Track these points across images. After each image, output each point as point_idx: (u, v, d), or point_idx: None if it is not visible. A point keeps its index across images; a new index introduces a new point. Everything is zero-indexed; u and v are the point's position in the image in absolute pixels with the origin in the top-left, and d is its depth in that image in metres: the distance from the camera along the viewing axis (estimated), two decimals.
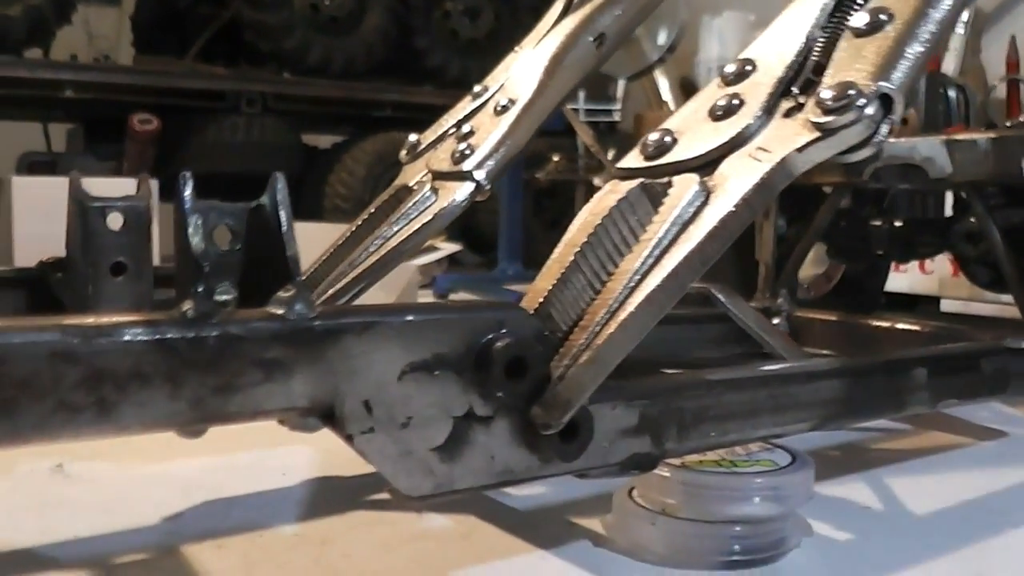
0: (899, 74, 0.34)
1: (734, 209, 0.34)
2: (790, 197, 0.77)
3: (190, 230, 0.28)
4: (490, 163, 0.53)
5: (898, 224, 0.86)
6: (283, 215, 0.29)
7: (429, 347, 0.31)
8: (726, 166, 0.36)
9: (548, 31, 0.62)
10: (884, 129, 0.35)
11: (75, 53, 1.96)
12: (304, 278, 0.57)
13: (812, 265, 0.99)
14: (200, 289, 0.28)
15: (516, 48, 0.64)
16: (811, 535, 0.45)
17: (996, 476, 0.56)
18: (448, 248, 1.69)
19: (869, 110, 0.34)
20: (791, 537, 0.44)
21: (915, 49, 0.35)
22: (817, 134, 0.36)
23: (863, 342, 0.68)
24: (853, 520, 0.48)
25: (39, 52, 1.72)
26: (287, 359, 0.28)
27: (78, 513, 0.47)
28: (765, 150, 0.37)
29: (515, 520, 0.47)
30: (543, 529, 0.45)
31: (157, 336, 0.26)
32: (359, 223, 0.57)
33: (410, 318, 0.31)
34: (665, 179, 0.37)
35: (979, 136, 0.63)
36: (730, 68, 0.41)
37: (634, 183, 0.38)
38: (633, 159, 0.40)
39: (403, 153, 0.61)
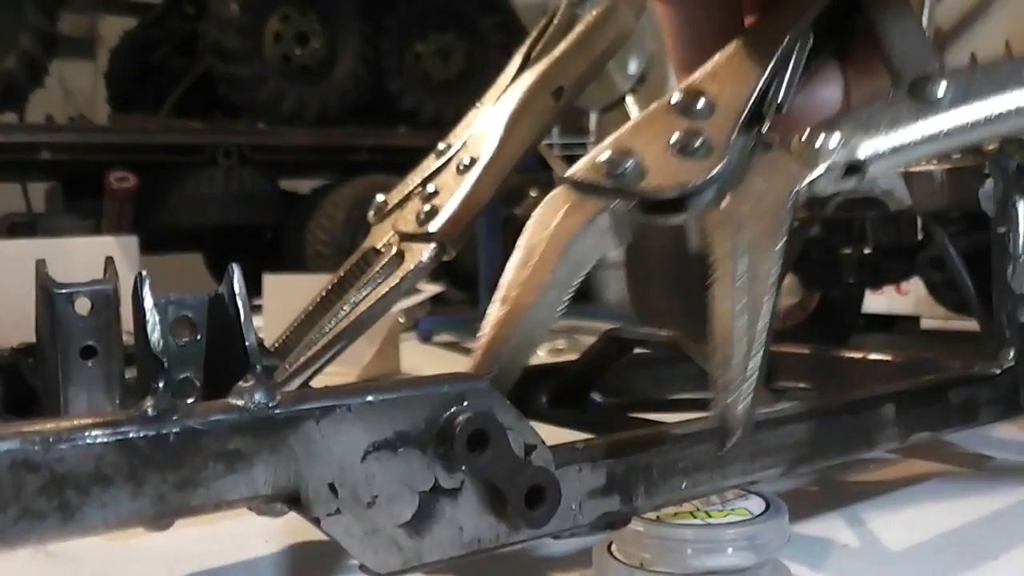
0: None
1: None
2: None
3: (148, 327, 0.29)
4: (453, 223, 0.54)
5: (867, 251, 0.87)
6: (240, 304, 0.30)
7: (391, 426, 0.32)
8: (729, 204, 0.37)
9: (507, 86, 0.64)
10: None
11: (50, 113, 1.96)
12: (276, 346, 0.58)
13: (787, 295, 1.00)
14: (160, 385, 0.28)
15: (477, 104, 0.65)
16: None
17: (975, 505, 0.56)
18: (430, 290, 1.69)
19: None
20: None
21: None
22: (817, 169, 0.36)
23: (835, 374, 0.69)
24: (831, 560, 0.48)
25: (13, 115, 1.73)
26: (248, 449, 0.29)
27: None
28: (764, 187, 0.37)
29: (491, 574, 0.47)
30: None
31: (118, 437, 0.27)
32: (329, 288, 0.57)
33: (370, 399, 0.31)
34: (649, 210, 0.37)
35: (935, 168, 0.64)
36: (678, 97, 0.40)
37: (599, 203, 0.38)
38: (594, 174, 0.39)
39: (371, 214, 0.62)
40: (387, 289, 0.52)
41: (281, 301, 1.19)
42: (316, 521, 0.31)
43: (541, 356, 1.33)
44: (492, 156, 0.58)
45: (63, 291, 0.42)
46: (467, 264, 2.00)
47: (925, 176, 0.64)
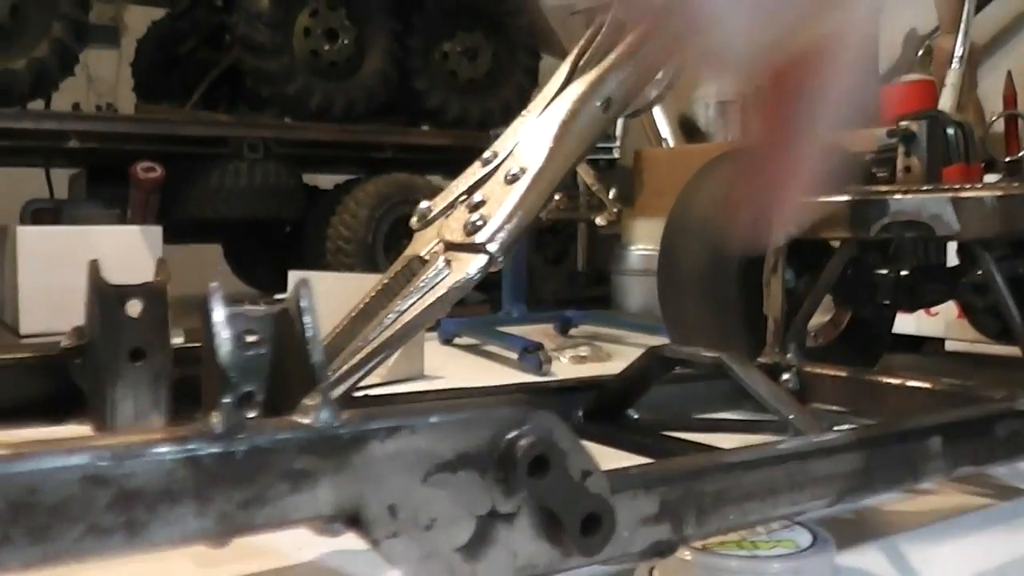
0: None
1: None
2: (798, 250, 0.78)
3: (217, 340, 0.28)
4: (502, 235, 0.53)
5: (904, 273, 0.86)
6: (308, 321, 0.30)
7: (452, 447, 0.31)
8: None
9: (555, 96, 0.63)
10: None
11: (77, 101, 1.97)
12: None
13: (819, 312, 0.99)
14: (227, 400, 0.28)
15: (523, 112, 0.65)
16: None
17: (1013, 542, 0.55)
18: None
19: None
20: None
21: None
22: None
23: (873, 399, 0.68)
24: None
25: (41, 103, 1.73)
26: (313, 469, 0.28)
27: None
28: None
29: None
30: None
31: (186, 453, 0.26)
32: (373, 294, 0.57)
33: (434, 420, 0.31)
34: None
35: (986, 194, 0.63)
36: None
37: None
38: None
39: (414, 220, 0.61)
40: (433, 299, 0.52)
41: None
42: (375, 543, 0.30)
43: (563, 362, 1.32)
44: (541, 167, 0.57)
45: (115, 291, 0.42)
46: None
47: (975, 202, 0.63)
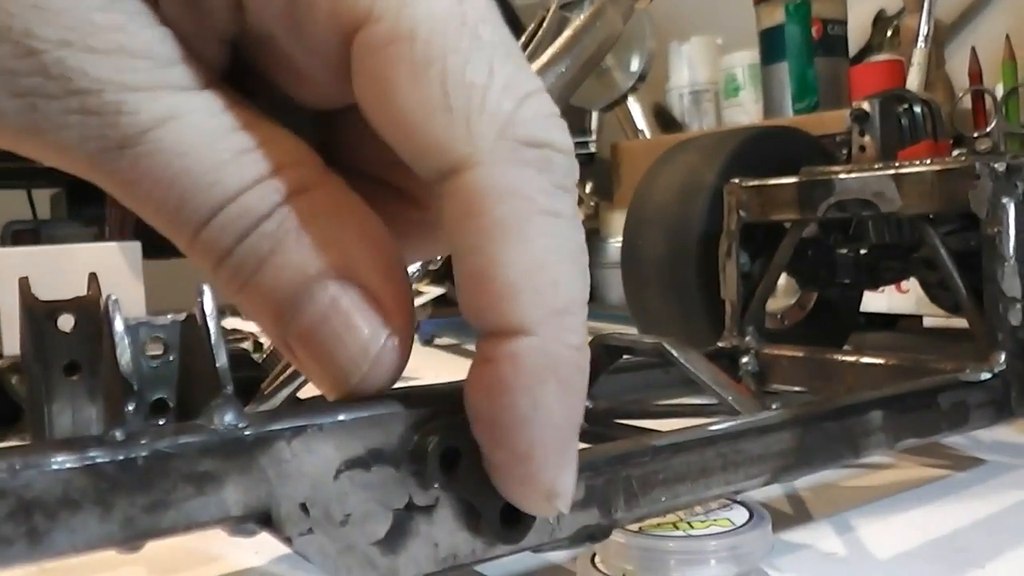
0: None
1: None
2: (752, 234, 0.78)
3: (118, 350, 0.29)
4: None
5: (863, 252, 0.87)
6: (211, 326, 0.30)
7: (363, 444, 0.32)
8: None
9: None
10: None
11: None
12: (266, 356, 0.58)
13: (785, 295, 1.00)
14: (130, 408, 0.28)
15: None
16: None
17: (965, 511, 0.56)
18: (432, 292, 1.69)
19: None
20: None
21: None
22: None
23: (830, 377, 0.69)
24: (815, 569, 0.48)
25: None
26: (218, 471, 0.29)
27: None
28: None
29: None
30: None
31: (85, 462, 0.27)
32: None
33: (341, 417, 0.31)
34: None
35: (925, 169, 0.64)
36: None
37: None
38: None
39: None
40: None
41: None
42: (288, 541, 0.31)
43: None
44: None
45: (45, 308, 0.42)
46: None
47: (915, 177, 0.64)
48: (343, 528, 0.32)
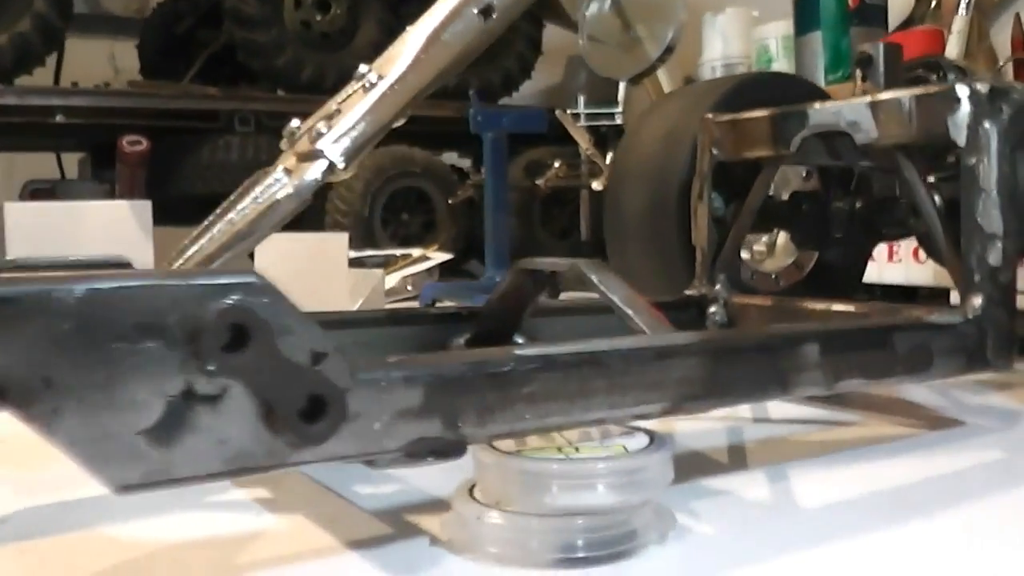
0: None
1: None
2: (725, 175, 0.72)
3: None
4: (345, 141, 0.50)
5: (859, 205, 0.80)
6: None
7: (127, 317, 0.27)
8: None
9: (436, 4, 0.59)
10: None
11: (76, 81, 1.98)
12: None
13: (781, 255, 0.94)
14: None
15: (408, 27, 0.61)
16: (674, 527, 0.40)
17: (923, 467, 0.50)
18: (438, 258, 1.65)
19: None
20: (647, 530, 0.39)
21: None
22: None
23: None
24: (731, 514, 0.43)
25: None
26: None
27: None
28: None
29: (349, 520, 0.43)
30: (379, 528, 0.41)
31: None
32: (217, 212, 0.53)
33: (98, 286, 0.27)
34: None
35: (903, 94, 0.57)
36: None
37: None
38: None
39: (283, 142, 0.58)
40: (265, 207, 0.48)
41: (273, 259, 1.15)
42: (33, 419, 0.27)
43: None
44: (401, 74, 0.54)
45: None
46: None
47: (892, 104, 0.57)
48: (100, 411, 0.27)
